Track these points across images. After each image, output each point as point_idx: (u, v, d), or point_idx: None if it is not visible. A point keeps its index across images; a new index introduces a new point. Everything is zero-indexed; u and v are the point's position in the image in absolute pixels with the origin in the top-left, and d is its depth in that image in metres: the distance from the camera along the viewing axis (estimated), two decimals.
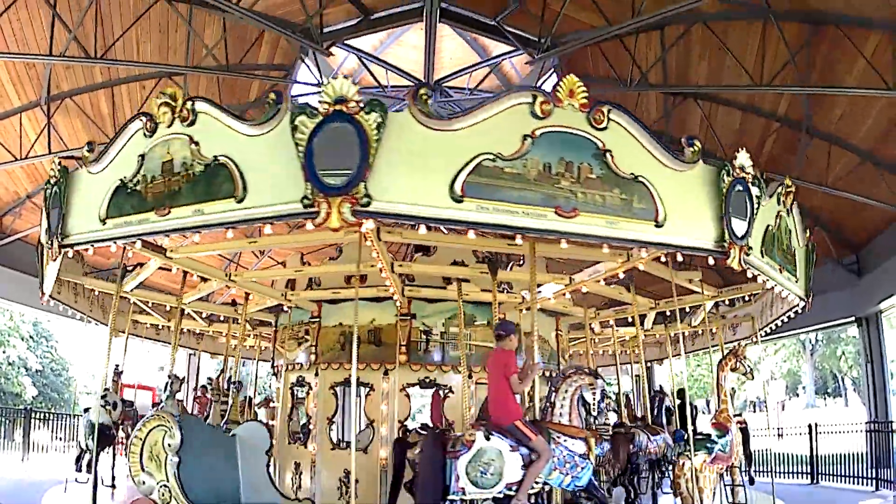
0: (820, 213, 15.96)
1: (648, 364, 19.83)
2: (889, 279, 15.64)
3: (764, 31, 11.83)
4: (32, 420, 21.76)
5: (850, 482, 16.25)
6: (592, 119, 6.16)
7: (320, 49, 12.50)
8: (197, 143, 6.20)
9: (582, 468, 6.90)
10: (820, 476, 17.38)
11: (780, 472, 18.05)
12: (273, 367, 14.16)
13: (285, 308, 12.73)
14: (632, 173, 6.22)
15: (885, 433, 15.83)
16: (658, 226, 6.27)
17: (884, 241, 16.05)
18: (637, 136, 6.33)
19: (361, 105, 5.55)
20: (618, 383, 13.78)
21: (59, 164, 7.39)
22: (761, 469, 16.32)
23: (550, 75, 15.80)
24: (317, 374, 11.71)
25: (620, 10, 11.12)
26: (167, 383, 12.20)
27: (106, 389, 12.51)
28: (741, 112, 14.36)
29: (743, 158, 6.84)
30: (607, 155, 6.15)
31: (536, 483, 6.90)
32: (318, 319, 12.05)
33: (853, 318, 17.73)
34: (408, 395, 11.23)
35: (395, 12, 14.08)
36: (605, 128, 6.19)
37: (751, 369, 8.95)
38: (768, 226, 7.55)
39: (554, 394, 7.16)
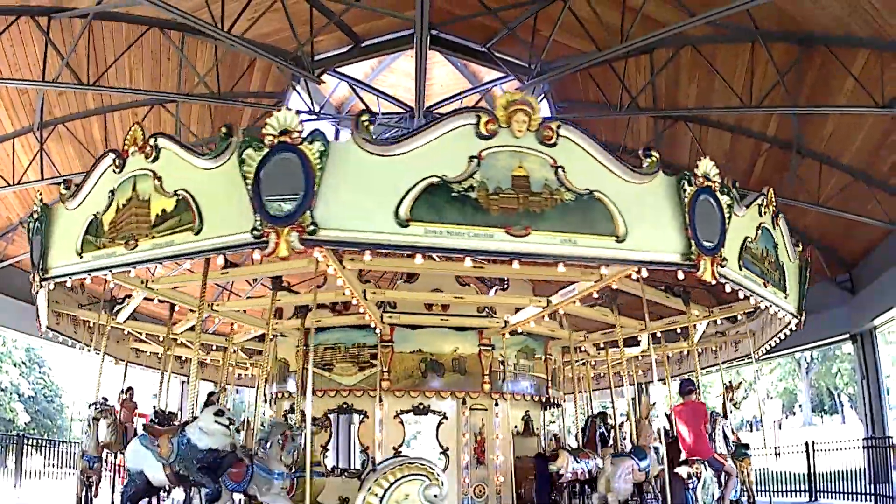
0: (812, 232, 16.00)
1: (644, 384, 19.78)
2: (882, 295, 15.61)
3: (752, 52, 11.93)
4: (25, 447, 21.50)
5: (848, 499, 16.16)
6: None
7: (311, 77, 12.58)
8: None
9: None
10: (818, 493, 17.31)
11: (778, 491, 18.00)
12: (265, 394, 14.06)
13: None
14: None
15: (882, 449, 15.79)
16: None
17: (876, 257, 16.03)
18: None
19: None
20: (612, 406, 13.70)
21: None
22: (760, 487, 16.26)
23: (542, 100, 15.90)
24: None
25: (609, 35, 11.21)
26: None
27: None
28: (731, 133, 14.44)
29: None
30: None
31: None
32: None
33: (848, 335, 17.66)
34: None
35: (386, 40, 14.19)
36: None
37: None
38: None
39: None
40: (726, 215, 6.74)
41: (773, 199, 8.00)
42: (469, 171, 5.92)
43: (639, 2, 10.41)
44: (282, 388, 12.75)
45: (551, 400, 13.40)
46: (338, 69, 15.16)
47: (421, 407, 11.37)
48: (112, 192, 6.76)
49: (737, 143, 14.59)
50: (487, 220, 5.87)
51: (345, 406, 11.66)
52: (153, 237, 6.33)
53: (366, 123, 5.84)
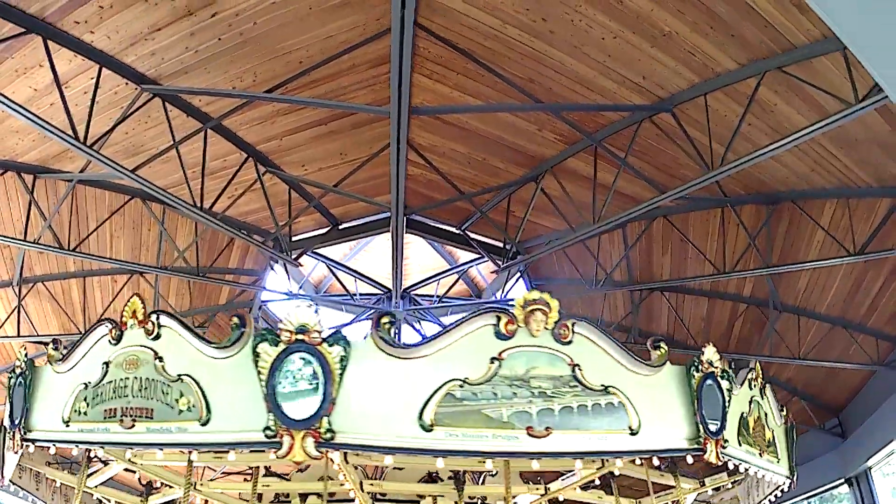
0: (796, 383, 16.07)
1: None
2: (874, 435, 15.49)
3: (723, 217, 12.28)
4: None
5: None
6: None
7: (289, 260, 12.71)
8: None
9: None
10: None
11: None
12: None
13: None
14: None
15: None
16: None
17: (863, 400, 16.04)
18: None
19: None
20: None
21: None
22: None
23: (518, 280, 16.08)
24: None
25: (582, 212, 11.51)
26: None
27: None
28: (707, 299, 14.59)
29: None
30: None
31: None
32: None
33: (843, 479, 17.29)
34: None
35: (364, 223, 14.47)
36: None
37: None
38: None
39: None
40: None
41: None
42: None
43: (609, 179, 10.78)
44: None
45: None
46: (316, 250, 15.34)
47: None
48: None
49: (714, 307, 14.75)
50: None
51: None
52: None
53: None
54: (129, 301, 6.51)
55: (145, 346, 6.21)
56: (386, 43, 8.85)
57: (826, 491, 20.49)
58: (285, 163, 11.98)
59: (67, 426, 6.55)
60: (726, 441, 6.65)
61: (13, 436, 7.13)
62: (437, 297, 17.65)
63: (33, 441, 6.96)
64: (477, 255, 15.83)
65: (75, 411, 6.52)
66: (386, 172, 11.96)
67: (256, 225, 13.57)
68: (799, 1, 7.13)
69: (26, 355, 7.36)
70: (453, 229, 14.43)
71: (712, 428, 6.51)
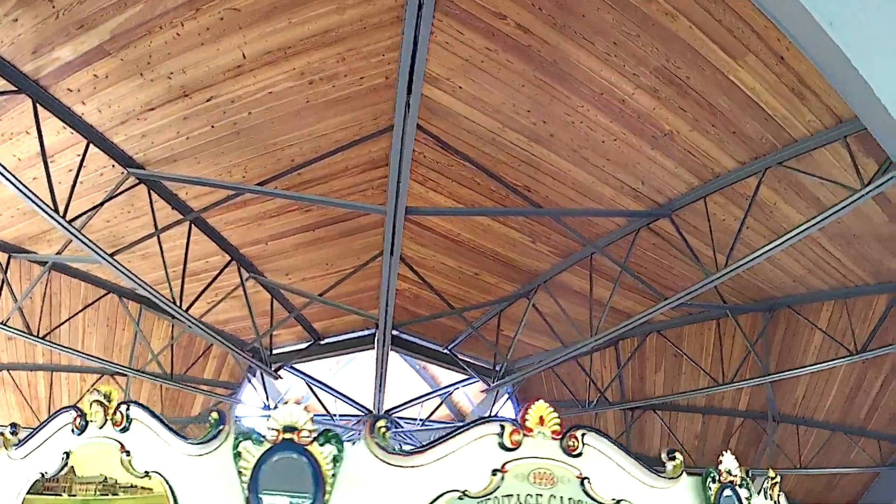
0: (796, 494, 15.34)
1: None
2: None
3: (718, 328, 12.08)
4: None
5: None
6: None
7: (269, 371, 12.09)
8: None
9: None
10: None
11: None
12: None
13: None
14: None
15: None
16: None
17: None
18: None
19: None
20: None
21: None
22: None
23: (505, 402, 15.45)
24: None
25: (577, 331, 11.16)
26: None
27: None
28: (702, 416, 14.19)
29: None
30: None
31: None
32: None
33: None
34: None
35: (346, 339, 13.98)
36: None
37: None
38: None
39: None
40: None
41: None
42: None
43: (603, 294, 10.49)
44: None
45: None
46: (295, 366, 14.70)
47: None
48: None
49: (709, 424, 14.35)
50: None
51: None
52: None
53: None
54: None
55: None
56: (381, 144, 8.78)
57: None
58: (269, 270, 11.64)
59: None
60: None
61: None
62: (421, 420, 16.90)
63: None
64: (463, 377, 15.31)
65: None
66: (371, 286, 11.70)
67: (235, 335, 13.03)
68: (800, 90, 7.12)
69: None
70: (440, 349, 13.91)
71: None
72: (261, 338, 11.62)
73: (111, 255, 8.62)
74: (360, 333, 13.75)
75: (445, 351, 13.90)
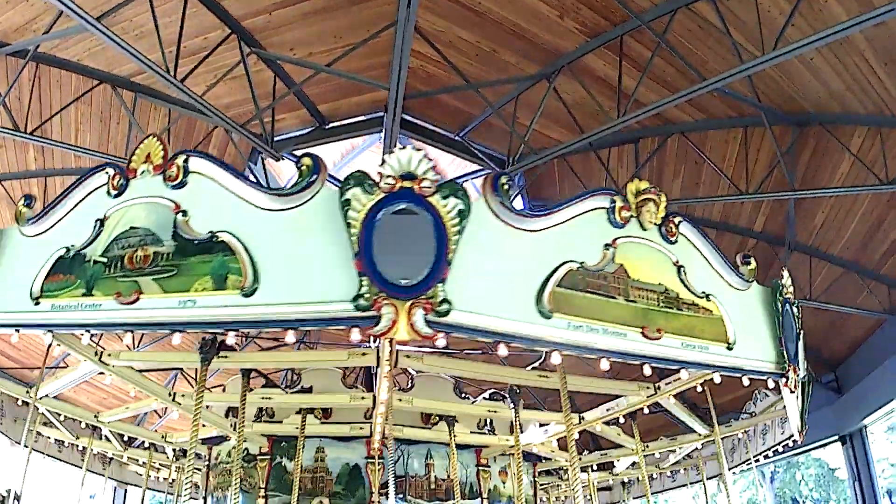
0: None
1: None
2: (871, 394, 15.17)
3: (745, 137, 11.44)
4: None
5: None
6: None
7: (270, 151, 11.48)
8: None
9: None
10: None
11: None
12: None
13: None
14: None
15: None
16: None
17: (862, 355, 15.73)
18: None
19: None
20: None
21: None
22: None
23: (515, 197, 15.07)
24: None
25: (598, 122, 10.51)
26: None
27: None
28: (715, 231, 13.73)
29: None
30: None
31: None
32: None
33: (836, 436, 16.93)
34: None
35: (353, 122, 13.27)
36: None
37: None
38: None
39: None
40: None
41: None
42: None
43: (631, 85, 9.76)
44: None
45: None
46: (297, 153, 14.13)
47: None
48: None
49: (721, 241, 13.79)
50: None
51: None
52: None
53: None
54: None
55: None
56: None
57: (818, 448, 20.48)
58: (272, 44, 10.77)
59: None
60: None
61: None
62: None
63: None
64: (472, 169, 14.84)
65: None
66: (382, 63, 10.90)
67: (235, 120, 12.36)
68: None
69: None
70: (451, 135, 13.28)
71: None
72: (261, 112, 10.84)
73: (97, 20, 7.79)
74: (369, 116, 12.93)
75: (457, 138, 13.20)
